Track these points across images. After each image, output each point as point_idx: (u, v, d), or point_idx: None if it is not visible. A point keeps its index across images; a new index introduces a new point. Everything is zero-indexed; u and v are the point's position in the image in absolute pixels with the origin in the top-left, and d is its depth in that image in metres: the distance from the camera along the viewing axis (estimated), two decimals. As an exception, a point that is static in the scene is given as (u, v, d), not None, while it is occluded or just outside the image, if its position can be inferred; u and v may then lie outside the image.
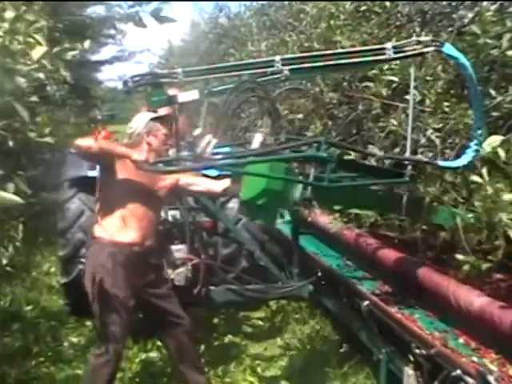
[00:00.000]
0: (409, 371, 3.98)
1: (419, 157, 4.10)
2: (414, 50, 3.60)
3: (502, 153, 3.15)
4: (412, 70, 3.93)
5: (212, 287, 6.11)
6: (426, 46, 3.58)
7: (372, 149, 4.69)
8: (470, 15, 4.84)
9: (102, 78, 24.15)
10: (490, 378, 3.12)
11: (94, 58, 17.94)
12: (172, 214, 5.89)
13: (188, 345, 4.82)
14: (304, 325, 6.65)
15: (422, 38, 3.65)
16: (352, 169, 4.12)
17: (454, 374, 3.42)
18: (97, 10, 13.23)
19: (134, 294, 4.45)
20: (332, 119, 6.78)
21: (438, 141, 4.45)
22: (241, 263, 6.33)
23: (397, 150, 4.95)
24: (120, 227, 4.44)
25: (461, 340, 3.94)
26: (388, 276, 5.17)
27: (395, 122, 4.81)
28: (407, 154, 3.86)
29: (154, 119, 4.56)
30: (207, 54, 14.48)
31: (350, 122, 6.31)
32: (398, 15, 5.93)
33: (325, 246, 6.61)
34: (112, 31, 14.19)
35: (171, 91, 4.27)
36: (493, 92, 4.15)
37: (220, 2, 14.34)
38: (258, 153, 3.71)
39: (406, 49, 3.63)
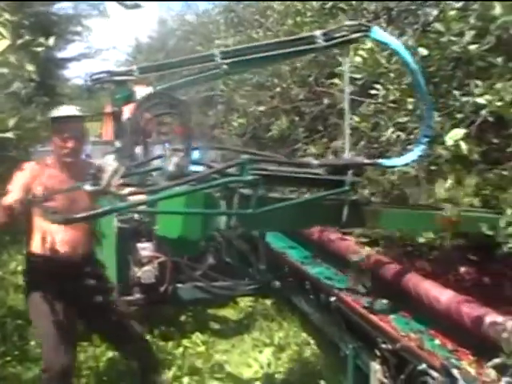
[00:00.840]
0: (375, 366, 4.01)
1: (359, 159, 3.61)
2: (343, 36, 3.47)
3: (464, 146, 3.18)
4: (347, 60, 3.80)
5: (179, 285, 6.10)
6: (354, 32, 3.46)
7: (308, 159, 3.97)
8: (435, 13, 4.87)
9: (68, 75, 23.92)
10: (454, 372, 3.15)
11: (61, 55, 17.73)
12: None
13: (137, 348, 4.69)
14: (272, 321, 6.65)
15: (350, 23, 3.55)
16: (283, 184, 3.89)
17: (419, 367, 3.45)
18: (63, 7, 13.12)
19: (73, 305, 4.29)
20: (299, 115, 6.82)
21: (400, 136, 4.48)
22: (207, 260, 6.31)
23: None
24: (48, 240, 4.19)
25: (437, 341, 3.91)
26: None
27: (357, 119, 4.86)
28: (346, 157, 3.59)
29: (54, 120, 4.22)
30: (174, 50, 14.48)
31: (315, 118, 6.34)
32: (364, 12, 5.97)
33: (294, 243, 6.61)
34: (78, 28, 14.10)
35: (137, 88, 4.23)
36: (457, 93, 4.16)
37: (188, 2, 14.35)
38: (175, 184, 3.02)
39: (335, 35, 3.49)
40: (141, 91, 3.94)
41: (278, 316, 6.73)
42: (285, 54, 3.69)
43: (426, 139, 3.59)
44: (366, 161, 3.60)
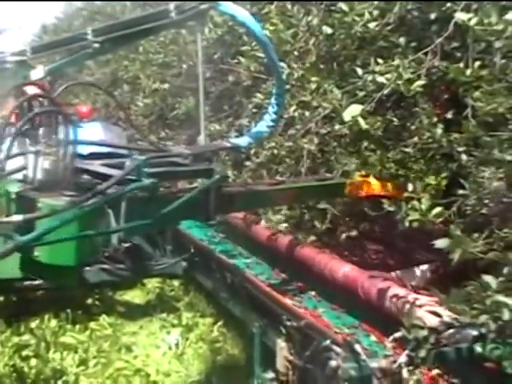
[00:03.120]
0: (281, 343, 4.03)
1: (217, 143, 3.63)
2: (193, 8, 3.36)
3: (362, 122, 3.21)
4: (198, 37, 3.76)
5: (85, 267, 5.99)
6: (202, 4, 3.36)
7: (180, 148, 3.92)
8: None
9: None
10: (357, 347, 3.19)
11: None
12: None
13: None
14: (179, 302, 6.62)
15: None
16: (171, 179, 3.72)
17: (323, 344, 3.48)
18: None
19: None
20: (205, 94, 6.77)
21: (304, 114, 4.50)
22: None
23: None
24: None
25: (373, 338, 3.87)
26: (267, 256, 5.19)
27: (261, 96, 4.86)
28: (202, 143, 3.52)
29: None
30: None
31: (221, 97, 6.32)
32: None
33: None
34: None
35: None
36: (360, 71, 4.19)
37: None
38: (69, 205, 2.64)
39: (186, 8, 3.39)
40: (35, 73, 3.82)
41: (185, 296, 6.71)
42: (145, 30, 3.56)
43: (277, 109, 3.60)
44: (220, 144, 3.63)
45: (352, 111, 3.27)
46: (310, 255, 4.36)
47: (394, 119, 4.31)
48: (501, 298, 2.88)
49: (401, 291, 3.52)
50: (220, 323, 5.86)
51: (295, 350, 3.92)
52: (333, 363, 3.25)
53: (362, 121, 3.24)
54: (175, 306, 6.56)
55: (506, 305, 2.90)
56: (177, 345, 5.71)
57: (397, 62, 3.69)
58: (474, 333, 3.14)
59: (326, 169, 4.67)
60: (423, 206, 3.39)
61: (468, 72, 3.43)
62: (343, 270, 3.99)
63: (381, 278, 3.79)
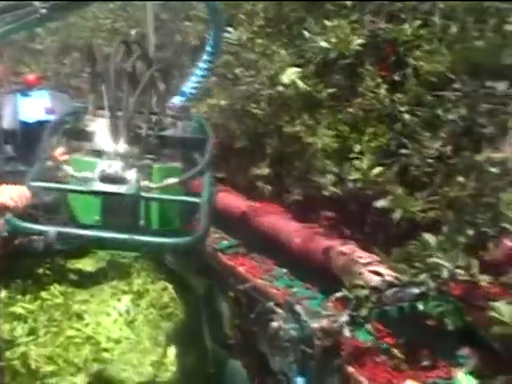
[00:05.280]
0: (227, 306, 4.03)
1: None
2: None
3: (301, 84, 3.19)
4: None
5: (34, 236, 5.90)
6: None
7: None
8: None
9: None
10: (297, 308, 3.20)
11: None
12: None
13: None
14: (130, 268, 6.56)
15: None
16: None
17: (266, 306, 3.49)
18: None
19: None
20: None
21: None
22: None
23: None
24: None
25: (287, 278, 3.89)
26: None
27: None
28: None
29: None
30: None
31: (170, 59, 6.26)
32: None
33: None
34: None
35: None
36: (306, 33, 4.15)
37: None
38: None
39: None
40: None
41: (135, 263, 6.64)
42: None
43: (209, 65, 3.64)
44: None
45: (290, 73, 3.23)
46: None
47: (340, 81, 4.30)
48: (439, 260, 2.92)
49: (344, 248, 3.53)
50: (170, 288, 5.82)
51: (242, 311, 3.93)
52: (274, 324, 3.26)
53: (300, 83, 3.21)
54: (127, 272, 6.50)
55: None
56: (127, 311, 5.67)
57: (335, 22, 3.67)
58: (416, 291, 3.16)
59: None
60: (364, 165, 3.39)
61: (409, 31, 3.44)
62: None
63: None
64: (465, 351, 3.24)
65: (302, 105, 4.09)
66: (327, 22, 3.77)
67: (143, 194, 2.99)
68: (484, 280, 2.98)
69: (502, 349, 2.99)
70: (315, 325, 3.13)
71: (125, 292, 6.08)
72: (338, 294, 3.24)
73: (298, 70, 3.29)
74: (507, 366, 2.99)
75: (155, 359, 5.21)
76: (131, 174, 2.98)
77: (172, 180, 3.00)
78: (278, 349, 3.20)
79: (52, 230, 2.97)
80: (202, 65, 3.68)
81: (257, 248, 4.63)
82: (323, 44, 3.71)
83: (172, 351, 5.13)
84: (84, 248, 6.59)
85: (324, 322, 3.14)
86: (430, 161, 3.52)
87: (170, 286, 5.83)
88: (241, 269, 4.10)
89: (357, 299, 3.13)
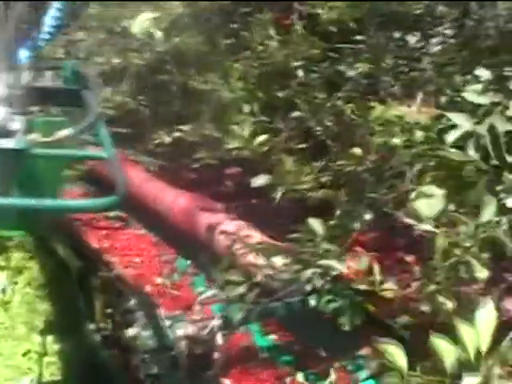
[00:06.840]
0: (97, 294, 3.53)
1: None
2: None
3: (158, 33, 2.65)
4: None
5: None
6: None
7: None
8: None
9: None
10: (159, 312, 2.70)
11: None
12: None
13: None
14: (18, 248, 6.02)
15: None
16: None
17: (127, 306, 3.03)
18: None
19: None
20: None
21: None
22: None
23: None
24: None
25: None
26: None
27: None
28: None
29: None
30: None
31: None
32: None
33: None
34: None
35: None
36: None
37: None
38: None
39: None
40: None
41: (15, 238, 6.09)
42: None
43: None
44: None
45: (140, 21, 2.61)
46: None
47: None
48: (327, 261, 2.43)
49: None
50: (49, 267, 5.29)
51: (110, 301, 3.42)
52: (131, 332, 2.72)
53: (158, 32, 2.60)
54: (5, 245, 5.94)
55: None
56: (3, 290, 5.10)
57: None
58: (307, 287, 2.71)
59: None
60: (245, 133, 2.80)
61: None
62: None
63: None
64: (364, 351, 2.84)
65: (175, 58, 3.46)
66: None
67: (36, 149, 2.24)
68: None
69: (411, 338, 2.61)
70: (179, 332, 2.59)
71: (2, 267, 5.51)
72: (209, 294, 2.72)
73: (152, 15, 2.65)
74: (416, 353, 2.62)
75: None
76: (16, 126, 2.27)
77: (65, 132, 2.28)
78: (139, 358, 2.67)
79: None
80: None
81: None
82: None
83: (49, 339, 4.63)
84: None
85: (190, 329, 2.60)
86: (325, 126, 2.96)
87: (49, 264, 5.31)
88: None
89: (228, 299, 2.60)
